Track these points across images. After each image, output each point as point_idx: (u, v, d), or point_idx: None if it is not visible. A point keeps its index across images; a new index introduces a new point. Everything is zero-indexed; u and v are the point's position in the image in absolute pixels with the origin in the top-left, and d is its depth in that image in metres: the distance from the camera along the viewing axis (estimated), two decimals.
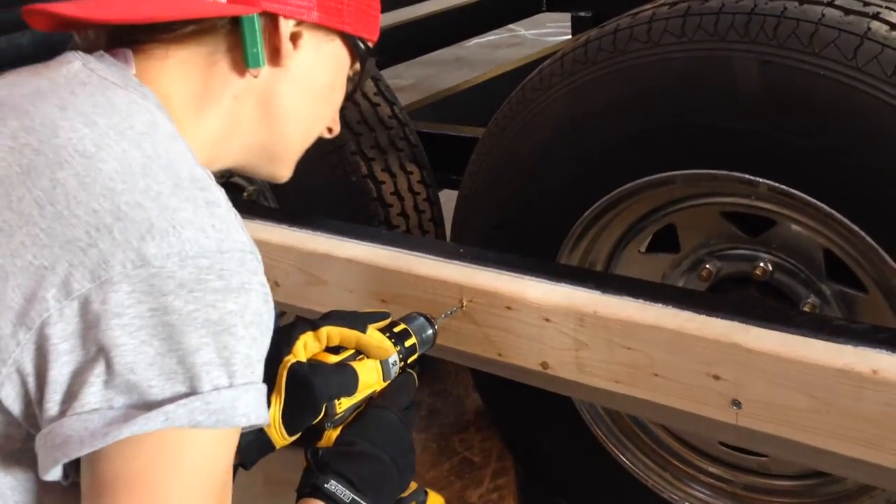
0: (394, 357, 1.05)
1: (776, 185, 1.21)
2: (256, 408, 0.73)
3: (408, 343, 1.09)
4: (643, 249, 1.52)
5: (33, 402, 0.71)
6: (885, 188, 1.12)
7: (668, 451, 1.60)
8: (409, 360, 1.09)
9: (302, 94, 0.94)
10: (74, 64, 0.83)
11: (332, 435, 0.98)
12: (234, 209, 0.77)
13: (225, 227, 0.74)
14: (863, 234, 1.17)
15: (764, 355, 1.09)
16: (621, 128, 1.30)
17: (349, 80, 1.01)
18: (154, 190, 0.72)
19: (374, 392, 1.03)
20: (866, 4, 1.15)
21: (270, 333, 0.78)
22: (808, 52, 1.12)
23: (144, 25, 0.85)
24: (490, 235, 1.50)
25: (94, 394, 0.68)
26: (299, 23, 0.90)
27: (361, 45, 0.98)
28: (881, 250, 1.17)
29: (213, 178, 0.79)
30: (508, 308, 1.28)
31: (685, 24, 1.21)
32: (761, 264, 1.39)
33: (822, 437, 1.07)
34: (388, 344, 1.04)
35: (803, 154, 1.16)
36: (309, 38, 0.91)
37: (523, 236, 1.48)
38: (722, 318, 1.14)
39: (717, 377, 1.14)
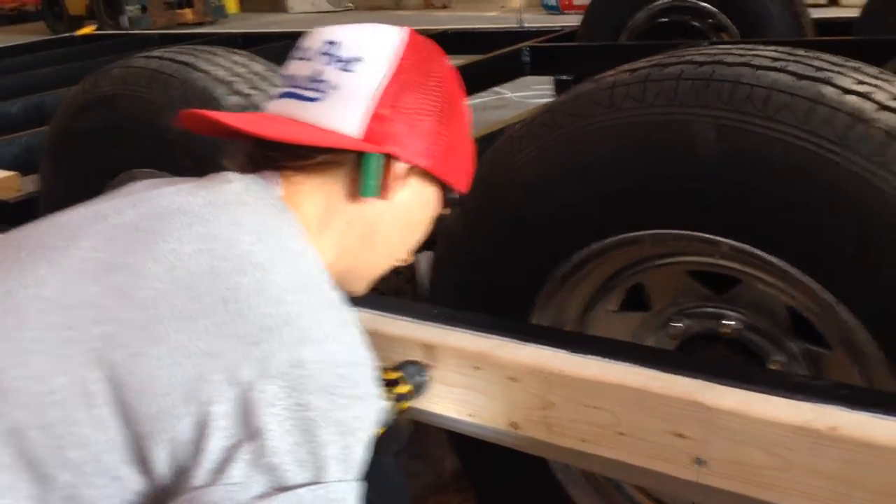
0: (386, 404, 1.14)
1: (737, 244, 1.24)
2: (359, 501, 0.84)
3: (401, 390, 1.19)
4: (614, 308, 1.53)
5: (179, 469, 0.80)
6: (839, 246, 1.14)
7: None
8: (402, 406, 1.19)
9: (399, 225, 1.09)
10: (235, 184, 0.97)
11: None
12: (360, 327, 0.90)
13: (357, 343, 0.87)
14: (821, 291, 1.19)
15: (725, 413, 1.10)
16: (586, 189, 1.32)
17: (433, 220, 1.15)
18: (312, 305, 0.85)
19: None
20: (819, 70, 1.19)
21: None
22: (762, 116, 1.15)
23: (288, 153, 0.99)
24: (464, 296, 1.52)
25: (239, 469, 0.78)
26: (411, 167, 1.04)
27: (454, 195, 1.13)
28: (840, 307, 1.18)
29: (343, 300, 0.91)
30: (476, 368, 1.29)
31: (646, 90, 1.25)
32: (729, 322, 1.41)
33: (784, 494, 1.07)
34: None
35: (761, 214, 1.19)
36: (414, 179, 1.06)
37: (496, 297, 1.49)
38: (686, 376, 1.15)
39: (681, 435, 1.14)
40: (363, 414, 0.86)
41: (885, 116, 1.11)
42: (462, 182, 1.14)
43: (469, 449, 1.68)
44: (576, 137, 1.31)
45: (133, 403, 0.80)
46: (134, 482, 0.82)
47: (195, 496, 0.78)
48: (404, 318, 1.39)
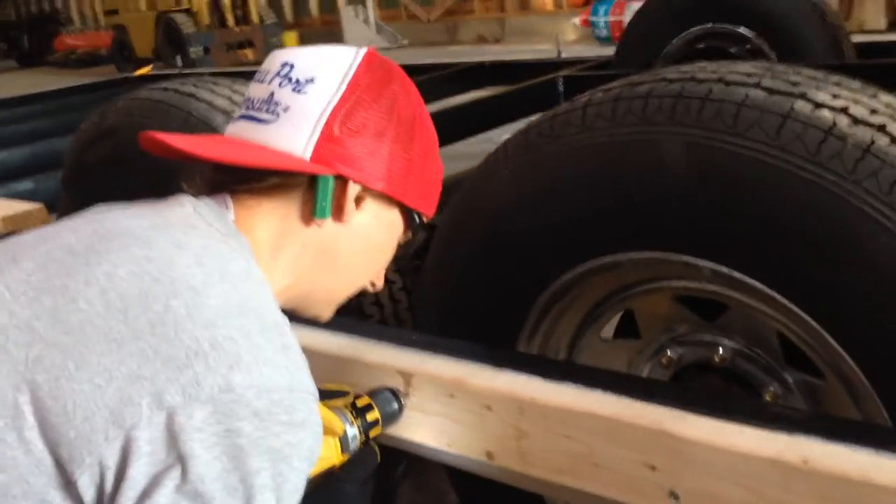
0: (353, 431, 1.13)
1: (717, 267, 1.18)
2: None
3: (370, 417, 1.16)
4: (607, 336, 1.49)
5: (105, 495, 0.78)
6: (817, 267, 1.08)
7: None
8: (371, 433, 1.16)
9: (357, 249, 1.06)
10: (186, 208, 0.96)
11: None
12: (303, 353, 0.89)
13: (296, 369, 0.86)
14: (805, 316, 1.13)
15: (696, 444, 1.04)
16: (560, 212, 1.29)
17: (399, 245, 1.13)
18: (246, 329, 0.83)
19: (332, 466, 1.08)
20: (794, 85, 1.14)
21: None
22: (731, 133, 1.11)
23: (240, 176, 0.99)
24: (448, 324, 1.49)
25: (165, 496, 0.76)
26: (366, 188, 1.02)
27: (416, 218, 1.10)
28: (825, 333, 1.12)
29: (288, 325, 0.90)
30: (451, 396, 1.26)
31: (616, 109, 1.21)
32: (721, 351, 1.35)
33: None
34: (336, 422, 1.12)
35: (735, 235, 1.13)
36: (371, 202, 1.04)
37: (479, 325, 1.46)
38: (660, 405, 1.10)
39: (653, 467, 1.09)
40: (299, 441, 0.83)
41: (861, 131, 1.06)
42: (426, 206, 1.12)
43: (464, 482, 1.63)
44: (548, 159, 1.28)
45: (56, 427, 0.79)
46: None
47: None
48: (389, 345, 1.37)
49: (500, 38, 14.22)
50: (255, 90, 1.06)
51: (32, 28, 20.64)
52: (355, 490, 1.09)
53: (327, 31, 15.49)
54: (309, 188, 1.00)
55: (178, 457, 0.77)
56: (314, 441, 0.86)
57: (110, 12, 17.38)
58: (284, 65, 1.05)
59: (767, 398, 1.31)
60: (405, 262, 1.85)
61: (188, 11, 15.03)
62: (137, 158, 1.83)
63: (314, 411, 0.87)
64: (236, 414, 0.79)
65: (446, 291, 1.48)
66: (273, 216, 1.01)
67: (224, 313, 0.83)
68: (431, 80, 4.39)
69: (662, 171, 1.16)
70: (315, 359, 1.38)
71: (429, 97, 4.28)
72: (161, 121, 1.78)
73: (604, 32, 11.31)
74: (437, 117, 3.71)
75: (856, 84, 1.17)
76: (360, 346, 1.36)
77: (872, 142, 1.05)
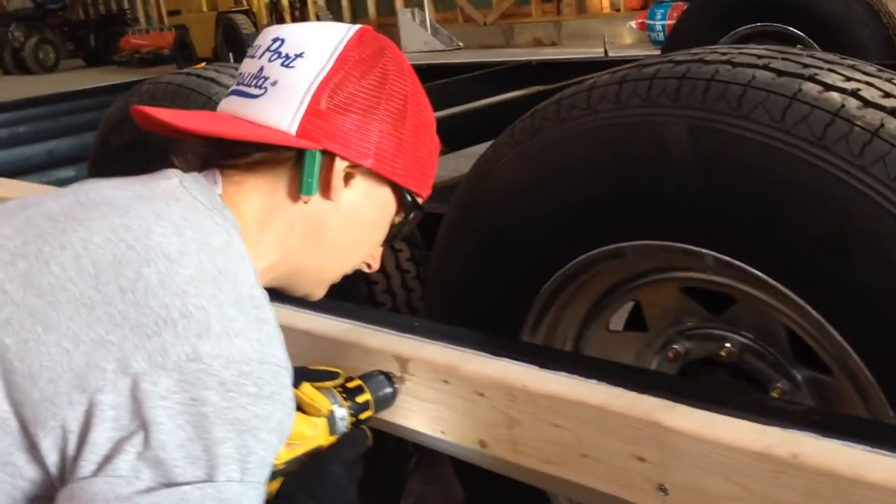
0: (342, 412, 1.11)
1: (720, 256, 1.14)
2: None
3: (360, 399, 1.15)
4: (614, 328, 1.45)
5: (68, 458, 0.78)
6: (821, 256, 1.03)
7: None
8: (362, 416, 1.15)
9: (346, 227, 1.05)
10: (173, 181, 0.96)
11: (271, 487, 0.99)
12: (279, 328, 0.88)
13: (269, 342, 0.85)
14: (809, 308, 1.08)
15: (685, 436, 1.00)
16: (565, 197, 1.26)
17: (393, 226, 1.11)
18: (218, 299, 0.83)
19: (319, 446, 1.07)
20: (805, 67, 1.10)
21: (285, 442, 0.88)
22: (735, 115, 1.07)
23: (227, 151, 0.99)
24: (453, 312, 1.47)
25: (126, 461, 0.76)
26: (354, 165, 1.01)
27: (409, 198, 1.07)
28: (829, 326, 1.07)
29: (267, 299, 0.89)
30: (445, 382, 1.23)
31: (621, 91, 1.18)
32: (728, 345, 1.30)
33: None
34: (321, 401, 1.10)
35: (738, 223, 1.09)
36: (360, 180, 1.03)
37: (483, 314, 1.43)
38: (651, 395, 1.07)
39: (641, 459, 1.05)
40: (267, 414, 0.82)
41: (870, 114, 1.01)
42: (418, 185, 1.10)
43: (470, 473, 1.61)
44: (553, 143, 1.25)
45: (21, 388, 0.79)
46: (27, 469, 0.81)
47: (77, 487, 0.77)
48: (391, 331, 1.35)
49: (556, 42, 14.11)
50: (247, 65, 1.05)
51: (100, 28, 21.14)
52: (342, 471, 1.07)
53: (384, 33, 15.53)
54: (296, 164, 1.00)
55: (141, 423, 0.77)
56: (284, 415, 0.85)
57: (173, 13, 17.74)
58: (275, 40, 1.04)
59: (775, 395, 1.26)
60: (420, 252, 1.83)
61: (247, 12, 15.25)
62: (161, 142, 1.86)
63: (286, 385, 0.85)
64: (203, 383, 0.78)
65: (451, 279, 1.46)
66: (260, 192, 1.00)
67: (197, 283, 0.83)
68: (477, 78, 4.37)
69: (666, 155, 1.12)
70: (312, 342, 1.38)
71: (474, 95, 4.28)
72: (182, 104, 1.80)
73: (660, 36, 11.09)
74: (478, 114, 3.67)
75: (871, 67, 1.11)
76: (360, 332, 1.34)
77: (882, 125, 1.00)
